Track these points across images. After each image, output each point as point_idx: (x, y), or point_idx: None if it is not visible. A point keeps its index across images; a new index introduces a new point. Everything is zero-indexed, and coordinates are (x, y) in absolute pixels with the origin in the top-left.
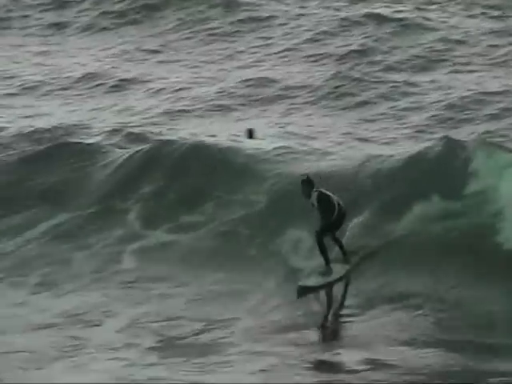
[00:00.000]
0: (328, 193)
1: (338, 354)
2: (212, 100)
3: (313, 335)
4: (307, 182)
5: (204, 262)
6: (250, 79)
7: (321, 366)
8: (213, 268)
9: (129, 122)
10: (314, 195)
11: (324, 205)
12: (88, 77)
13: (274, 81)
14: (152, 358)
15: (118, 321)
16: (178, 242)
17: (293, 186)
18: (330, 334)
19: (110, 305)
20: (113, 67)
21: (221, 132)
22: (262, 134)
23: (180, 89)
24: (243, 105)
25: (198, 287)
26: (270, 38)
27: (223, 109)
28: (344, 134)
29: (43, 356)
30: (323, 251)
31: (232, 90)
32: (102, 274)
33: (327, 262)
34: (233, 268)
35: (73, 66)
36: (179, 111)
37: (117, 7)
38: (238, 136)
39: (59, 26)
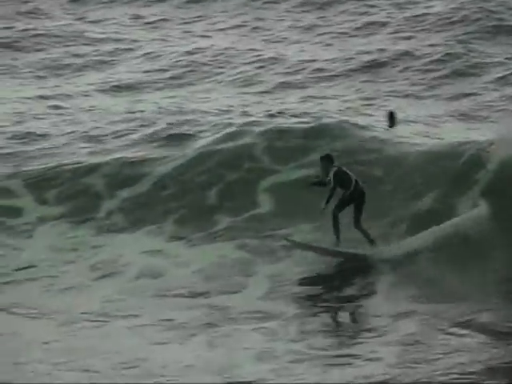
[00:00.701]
0: (346, 170)
1: (482, 315)
2: (335, 69)
3: (454, 293)
4: (327, 159)
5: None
6: (380, 50)
7: (469, 328)
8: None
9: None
10: (333, 171)
11: (339, 179)
12: (224, 54)
13: (399, 50)
14: (293, 329)
15: (258, 283)
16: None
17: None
18: (472, 292)
19: (249, 262)
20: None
21: (343, 104)
22: (401, 115)
23: (307, 61)
24: (367, 75)
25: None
26: (397, 5)
27: (344, 80)
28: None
29: (182, 328)
30: (335, 226)
31: (355, 61)
32: (236, 218)
33: (337, 236)
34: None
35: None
36: (301, 83)
37: None
38: (378, 121)
39: None
